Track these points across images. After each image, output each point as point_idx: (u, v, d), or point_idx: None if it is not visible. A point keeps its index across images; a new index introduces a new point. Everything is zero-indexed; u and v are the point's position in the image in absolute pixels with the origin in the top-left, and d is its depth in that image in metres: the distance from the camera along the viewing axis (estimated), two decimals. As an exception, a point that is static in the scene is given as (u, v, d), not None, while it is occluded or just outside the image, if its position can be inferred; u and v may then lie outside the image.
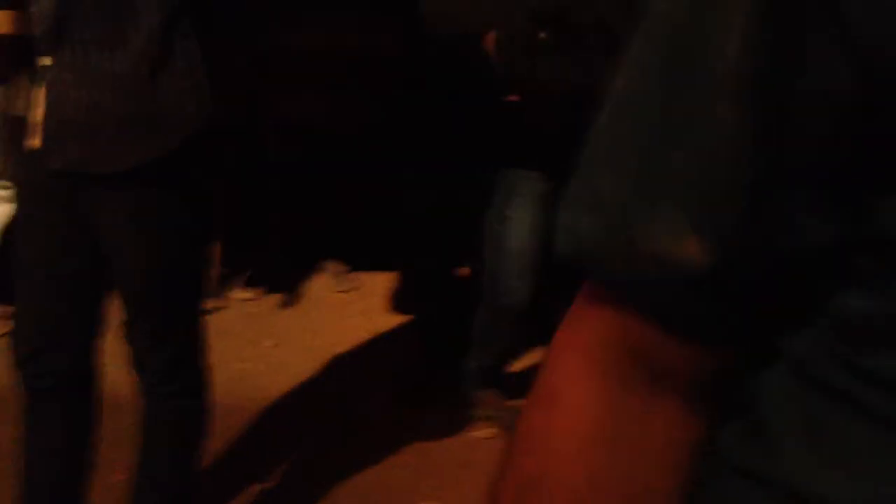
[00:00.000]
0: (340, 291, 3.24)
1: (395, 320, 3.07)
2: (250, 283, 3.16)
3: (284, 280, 3.21)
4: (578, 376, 0.52)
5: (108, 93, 1.50)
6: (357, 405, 2.71)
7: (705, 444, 0.53)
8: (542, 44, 1.74)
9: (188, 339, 1.78)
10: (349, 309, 3.16)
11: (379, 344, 2.96)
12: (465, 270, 2.96)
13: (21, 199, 1.73)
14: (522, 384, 2.75)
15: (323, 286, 3.28)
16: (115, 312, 1.81)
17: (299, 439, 2.57)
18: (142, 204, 1.60)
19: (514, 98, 1.87)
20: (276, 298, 3.15)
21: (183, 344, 1.78)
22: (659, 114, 0.46)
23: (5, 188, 2.45)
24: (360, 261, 3.31)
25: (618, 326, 0.51)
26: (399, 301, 3.15)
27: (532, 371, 2.81)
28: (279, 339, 2.97)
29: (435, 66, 2.17)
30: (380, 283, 3.24)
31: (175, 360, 1.77)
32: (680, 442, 0.52)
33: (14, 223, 1.79)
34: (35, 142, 1.55)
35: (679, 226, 0.45)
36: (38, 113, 1.53)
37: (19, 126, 1.56)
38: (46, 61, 1.52)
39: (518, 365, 2.77)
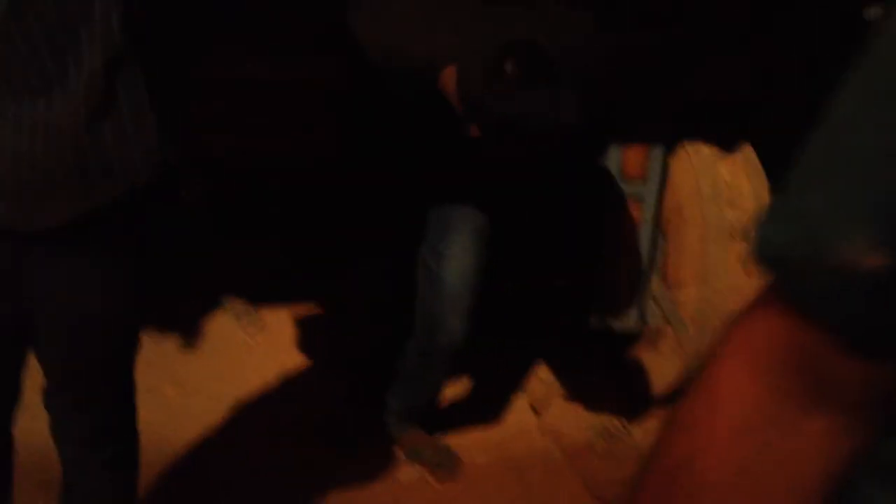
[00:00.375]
0: (244, 331, 3.05)
1: (305, 360, 2.90)
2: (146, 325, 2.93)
3: (183, 321, 2.99)
4: (741, 374, 0.57)
5: (42, 143, 1.28)
6: (273, 454, 2.53)
7: (860, 456, 0.56)
8: (509, 77, 1.65)
9: (119, 408, 1.60)
10: (255, 350, 2.96)
11: (291, 386, 2.79)
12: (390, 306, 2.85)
13: None
14: (448, 422, 2.65)
15: (225, 326, 3.07)
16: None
17: (212, 496, 2.37)
18: (76, 263, 1.41)
19: (474, 132, 1.77)
20: (175, 341, 2.93)
21: (112, 412, 1.59)
22: (870, 141, 0.50)
23: None
24: (263, 298, 3.13)
25: (789, 333, 0.55)
26: (308, 340, 2.98)
27: (458, 408, 2.73)
28: (182, 385, 2.76)
29: (379, 99, 2.05)
30: (285, 322, 3.07)
31: (103, 430, 1.58)
32: (831, 452, 0.55)
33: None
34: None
35: (868, 240, 0.49)
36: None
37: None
38: None
39: (443, 402, 2.66)
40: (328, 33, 1.99)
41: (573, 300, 2.94)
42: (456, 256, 2.19)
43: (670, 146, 2.70)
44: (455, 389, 2.70)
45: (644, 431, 2.73)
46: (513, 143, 1.85)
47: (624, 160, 2.69)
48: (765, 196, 2.66)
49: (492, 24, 1.80)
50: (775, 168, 2.69)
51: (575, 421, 2.74)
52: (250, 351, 2.95)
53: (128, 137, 1.33)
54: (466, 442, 2.62)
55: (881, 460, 0.57)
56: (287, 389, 2.77)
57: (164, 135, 1.37)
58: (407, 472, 2.51)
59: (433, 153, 2.09)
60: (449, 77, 1.75)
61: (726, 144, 2.69)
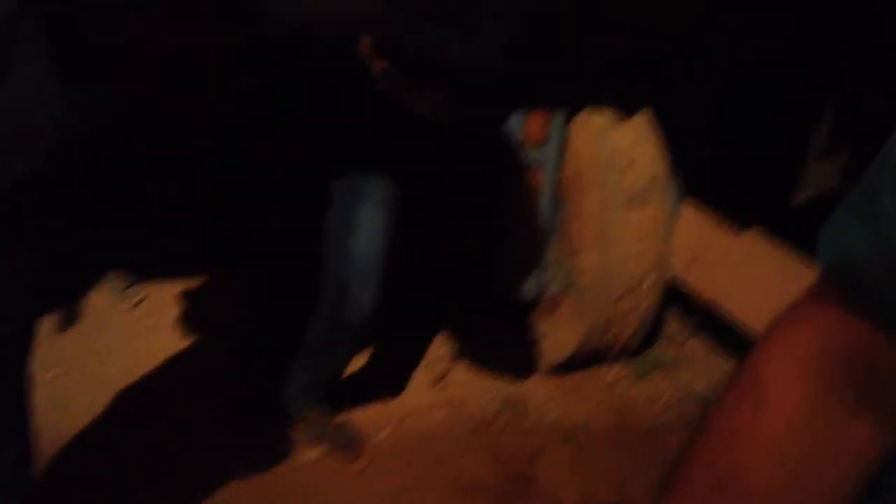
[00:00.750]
0: (125, 307, 2.87)
1: (192, 337, 2.76)
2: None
3: (61, 297, 2.78)
4: (790, 381, 0.56)
5: None
6: (165, 439, 2.39)
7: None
8: (426, 9, 1.52)
9: (15, 407, 1.45)
10: (138, 327, 2.80)
11: (180, 365, 2.65)
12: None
13: None
14: (349, 399, 2.56)
15: (104, 302, 2.88)
16: None
17: (106, 485, 2.22)
18: None
19: (381, 65, 1.61)
20: (51, 319, 2.73)
21: (10, 412, 1.44)
22: None
23: None
24: (147, 272, 2.95)
25: (846, 332, 0.55)
26: (194, 315, 2.84)
27: (359, 384, 2.65)
28: (63, 367, 2.57)
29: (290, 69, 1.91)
30: (172, 297, 2.91)
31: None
32: (873, 453, 0.56)
33: None
34: None
35: None
36: None
37: None
38: None
39: (343, 379, 2.57)
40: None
41: (473, 268, 2.90)
42: (365, 225, 2.10)
43: (570, 112, 2.68)
44: (355, 364, 2.61)
45: (546, 399, 2.73)
46: (428, 91, 1.73)
47: (525, 127, 2.65)
48: (661, 162, 2.67)
49: None
50: (672, 134, 2.71)
51: (478, 392, 2.71)
52: (132, 328, 2.79)
53: (30, 103, 1.17)
54: (369, 419, 2.55)
55: None
56: (176, 369, 2.63)
57: (69, 104, 1.23)
58: (310, 453, 2.42)
59: (342, 121, 1.98)
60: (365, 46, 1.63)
61: (624, 110, 2.69)
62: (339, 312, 2.18)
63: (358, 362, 2.68)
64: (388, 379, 2.72)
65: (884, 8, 2.38)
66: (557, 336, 2.81)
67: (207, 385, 2.58)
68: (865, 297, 0.54)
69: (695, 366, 2.96)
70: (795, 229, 2.63)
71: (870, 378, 0.55)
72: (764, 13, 2.57)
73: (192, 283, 2.95)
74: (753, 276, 2.55)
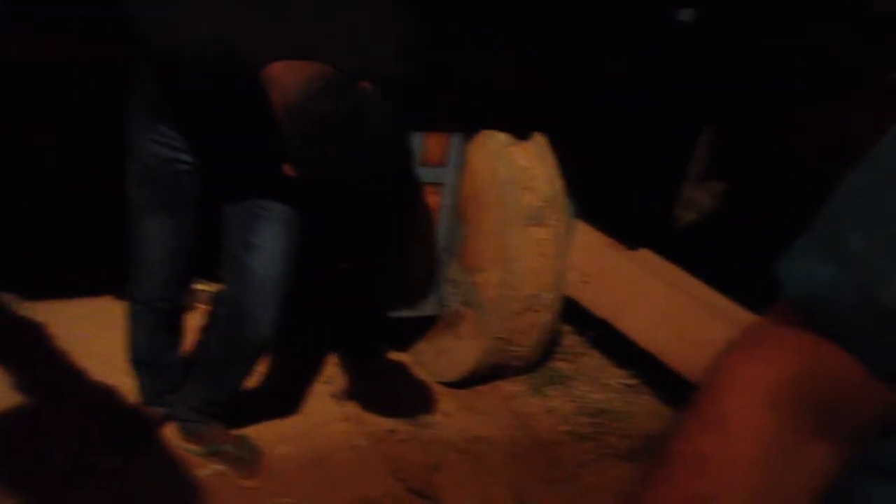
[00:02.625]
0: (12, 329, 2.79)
1: (80, 359, 2.69)
2: None
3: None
4: (754, 409, 0.58)
5: None
6: (53, 465, 2.31)
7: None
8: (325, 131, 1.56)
9: None
10: (25, 350, 2.71)
11: (67, 387, 2.58)
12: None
13: None
14: (247, 414, 2.55)
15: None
16: None
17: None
18: None
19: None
20: None
21: None
22: None
23: None
24: (34, 291, 2.87)
25: (811, 359, 0.57)
26: (85, 336, 2.77)
27: (257, 399, 2.63)
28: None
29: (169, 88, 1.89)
30: (58, 310, 2.84)
31: None
32: (830, 472, 0.59)
33: None
34: None
35: None
36: None
37: None
38: None
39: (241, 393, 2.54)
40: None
41: (374, 285, 2.92)
42: (265, 246, 2.08)
43: (468, 132, 2.73)
44: (254, 379, 2.59)
45: (446, 413, 2.76)
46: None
47: (424, 147, 2.69)
48: (557, 181, 2.75)
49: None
50: (565, 154, 2.79)
51: (377, 407, 2.72)
52: (19, 351, 2.69)
53: None
54: (268, 434, 2.54)
55: (878, 461, 0.60)
56: (62, 391, 2.56)
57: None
58: (207, 469, 2.39)
59: (238, 141, 1.97)
60: (274, 77, 1.63)
61: (520, 131, 2.76)
62: (238, 333, 2.16)
63: (258, 377, 2.67)
64: (287, 394, 2.72)
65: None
66: (458, 351, 2.85)
67: (95, 406, 2.52)
68: (838, 335, 0.55)
69: (590, 379, 3.04)
70: (680, 249, 2.75)
71: (832, 403, 0.57)
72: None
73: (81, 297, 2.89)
74: (643, 294, 2.64)
